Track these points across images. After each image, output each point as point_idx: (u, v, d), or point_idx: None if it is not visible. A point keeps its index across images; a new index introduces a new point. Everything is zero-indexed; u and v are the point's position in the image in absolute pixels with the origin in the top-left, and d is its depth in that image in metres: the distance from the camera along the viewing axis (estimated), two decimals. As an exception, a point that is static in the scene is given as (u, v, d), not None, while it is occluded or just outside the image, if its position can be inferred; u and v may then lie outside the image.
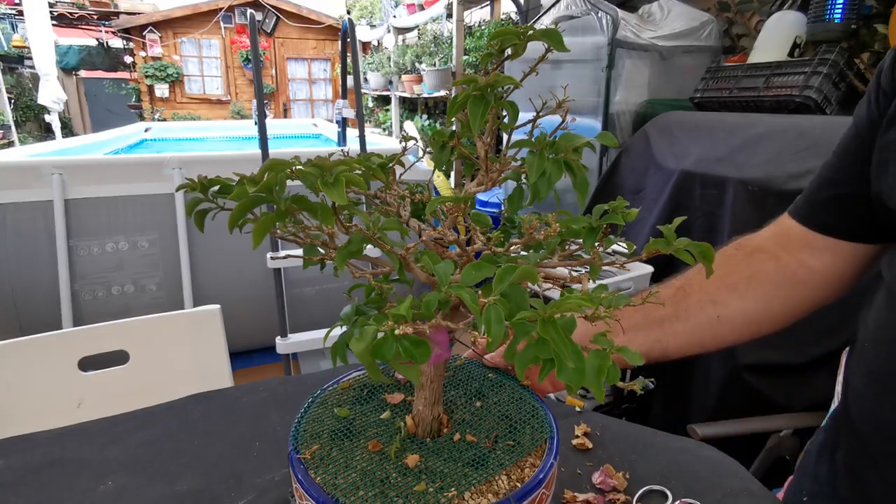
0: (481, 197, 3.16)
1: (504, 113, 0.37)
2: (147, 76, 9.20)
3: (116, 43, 9.67)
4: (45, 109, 5.78)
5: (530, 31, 0.35)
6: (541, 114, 0.38)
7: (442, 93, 4.54)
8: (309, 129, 5.56)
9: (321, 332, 1.92)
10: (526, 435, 0.44)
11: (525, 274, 0.31)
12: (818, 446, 0.65)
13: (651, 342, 0.60)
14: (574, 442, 0.66)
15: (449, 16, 4.66)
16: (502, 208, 0.43)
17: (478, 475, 0.40)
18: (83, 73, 10.11)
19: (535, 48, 0.36)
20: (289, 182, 0.34)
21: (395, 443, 0.44)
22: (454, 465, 0.41)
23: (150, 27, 9.12)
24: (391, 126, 6.27)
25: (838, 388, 0.69)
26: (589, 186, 0.37)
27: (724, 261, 0.64)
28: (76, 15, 8.96)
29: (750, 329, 0.62)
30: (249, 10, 2.10)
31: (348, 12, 8.47)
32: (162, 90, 9.37)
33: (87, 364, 0.95)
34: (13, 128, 6.06)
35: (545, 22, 2.33)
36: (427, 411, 0.45)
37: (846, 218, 0.60)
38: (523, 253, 0.42)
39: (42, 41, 4.96)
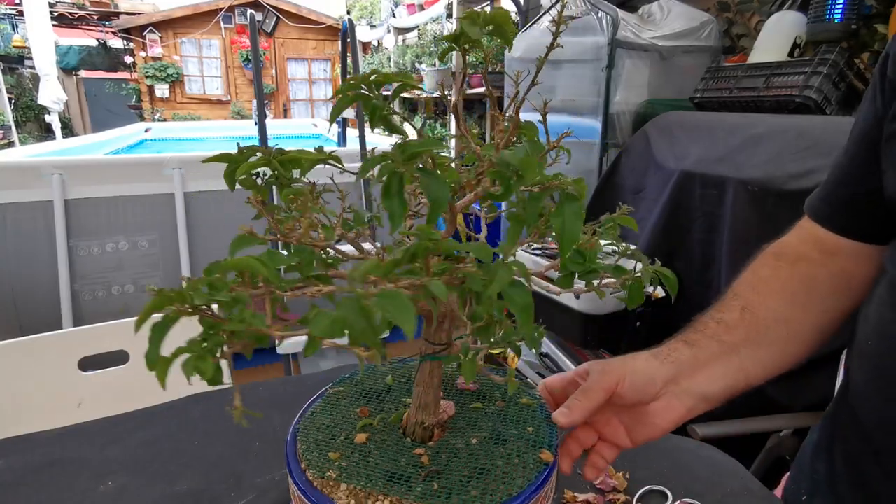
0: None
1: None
2: (147, 76, 9.20)
3: (117, 43, 9.67)
4: (45, 109, 5.78)
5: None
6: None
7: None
8: (309, 129, 5.56)
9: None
10: (467, 494, 0.39)
11: (235, 265, 0.29)
12: (813, 444, 0.65)
13: (734, 373, 0.53)
14: (574, 442, 0.66)
15: (449, 16, 4.66)
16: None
17: (373, 483, 0.39)
18: (83, 74, 10.11)
19: (538, 48, 0.35)
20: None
21: (373, 420, 0.46)
22: (379, 463, 0.42)
23: (151, 27, 9.12)
24: (391, 126, 6.25)
25: (838, 385, 0.68)
26: (397, 215, 0.31)
27: (775, 273, 0.61)
28: (76, 15, 8.96)
29: (817, 341, 0.59)
30: (249, 11, 2.10)
31: (348, 12, 8.46)
32: (162, 90, 9.37)
33: (87, 364, 0.95)
34: (13, 128, 6.06)
35: (545, 22, 2.33)
36: (413, 414, 0.45)
37: (858, 219, 0.58)
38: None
39: (42, 41, 4.96)
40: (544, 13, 2.38)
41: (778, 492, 0.69)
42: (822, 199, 0.62)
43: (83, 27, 9.55)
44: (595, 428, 0.50)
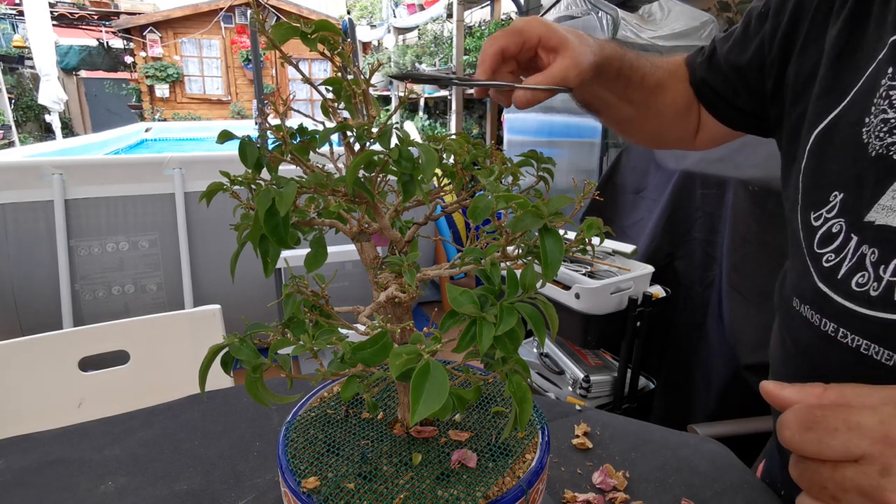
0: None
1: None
2: (147, 76, 9.21)
3: (117, 43, 9.68)
4: (45, 109, 5.79)
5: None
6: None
7: (442, 93, 4.54)
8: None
9: (321, 332, 1.92)
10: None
11: None
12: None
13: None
14: (574, 441, 0.66)
15: (449, 16, 4.66)
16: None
17: (333, 461, 0.43)
18: (83, 74, 10.12)
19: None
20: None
21: (366, 406, 0.48)
22: (354, 443, 0.45)
23: (151, 27, 9.13)
24: (391, 126, 6.26)
25: None
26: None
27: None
28: (77, 15, 8.97)
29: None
30: (249, 11, 2.10)
31: (348, 12, 8.47)
32: (162, 90, 9.38)
33: (87, 364, 0.95)
34: (13, 128, 6.07)
35: (545, 22, 2.33)
36: (401, 413, 0.47)
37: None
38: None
39: (42, 41, 4.96)
40: (544, 13, 2.38)
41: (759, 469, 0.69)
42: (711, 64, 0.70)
43: (83, 27, 9.56)
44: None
